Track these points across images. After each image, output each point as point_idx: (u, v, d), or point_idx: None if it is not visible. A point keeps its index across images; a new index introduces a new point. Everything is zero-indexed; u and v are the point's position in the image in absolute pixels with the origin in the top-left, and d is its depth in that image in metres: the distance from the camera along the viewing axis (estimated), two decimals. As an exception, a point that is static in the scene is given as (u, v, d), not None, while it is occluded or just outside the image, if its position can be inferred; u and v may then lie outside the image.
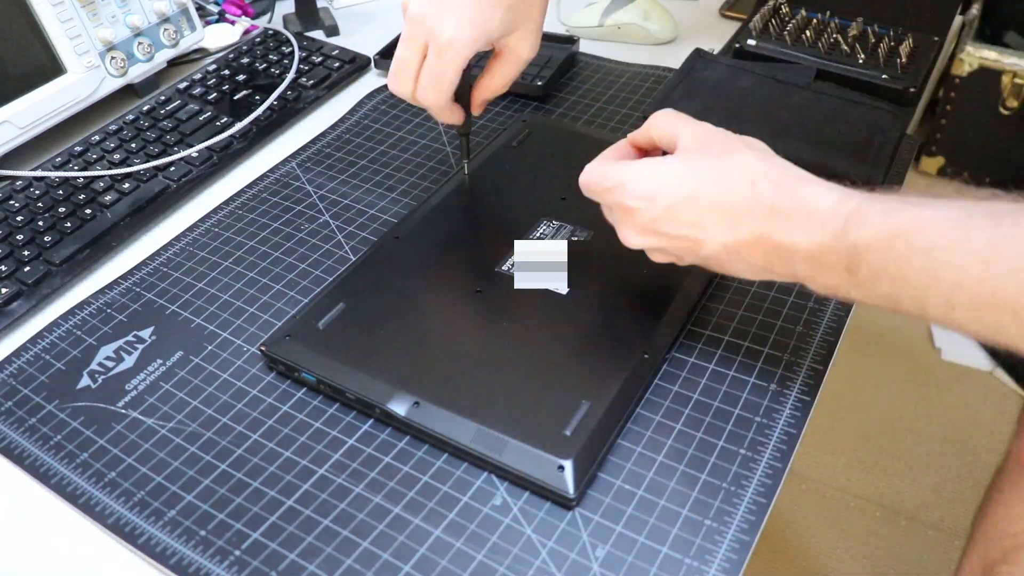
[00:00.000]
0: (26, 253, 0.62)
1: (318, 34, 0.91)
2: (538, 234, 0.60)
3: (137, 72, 0.78)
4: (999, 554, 0.54)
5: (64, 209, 0.66)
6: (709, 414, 0.50)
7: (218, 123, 0.75)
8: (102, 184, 0.68)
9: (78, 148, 0.72)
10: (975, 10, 1.66)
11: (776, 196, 0.44)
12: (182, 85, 0.80)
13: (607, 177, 0.49)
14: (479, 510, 0.45)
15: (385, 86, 0.81)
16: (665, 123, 0.49)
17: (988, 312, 0.37)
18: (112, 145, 0.72)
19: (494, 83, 0.60)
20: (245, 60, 0.84)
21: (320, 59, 0.84)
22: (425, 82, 0.56)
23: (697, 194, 0.45)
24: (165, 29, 0.80)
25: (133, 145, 0.72)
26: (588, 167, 0.50)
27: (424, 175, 0.70)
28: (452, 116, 0.60)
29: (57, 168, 0.70)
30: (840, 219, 0.42)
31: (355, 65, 0.84)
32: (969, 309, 0.38)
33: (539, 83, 0.78)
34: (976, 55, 1.64)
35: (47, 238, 0.63)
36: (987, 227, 0.37)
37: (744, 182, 0.44)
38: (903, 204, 0.41)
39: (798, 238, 0.43)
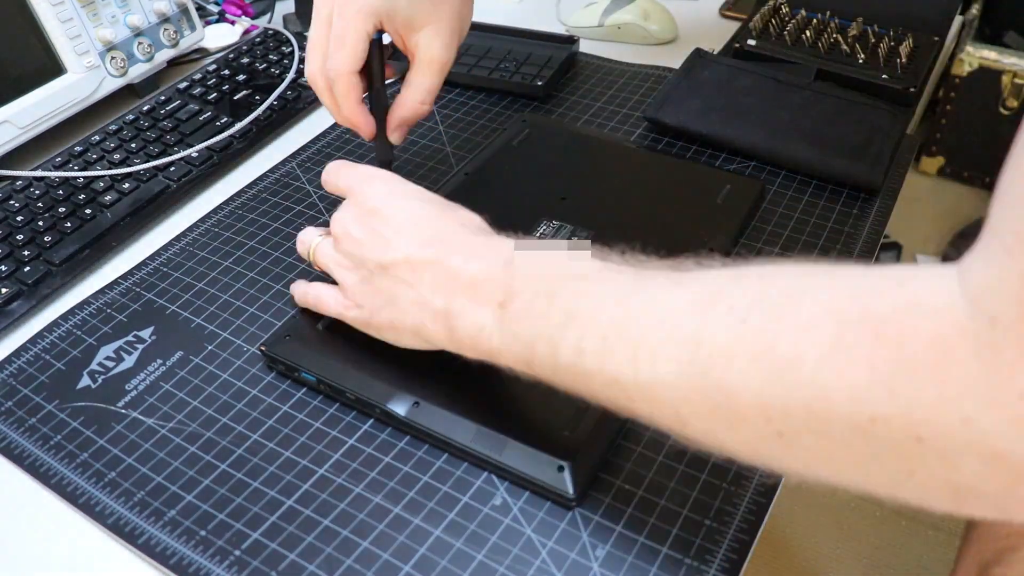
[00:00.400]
0: (26, 253, 0.62)
1: (318, 34, 0.91)
2: (538, 234, 0.60)
3: (137, 72, 0.78)
4: (992, 555, 0.54)
5: (64, 209, 0.66)
6: (709, 414, 0.50)
7: (218, 123, 0.75)
8: (102, 184, 0.68)
9: (78, 148, 0.72)
10: (975, 10, 1.66)
11: (472, 236, 0.45)
12: (182, 85, 0.80)
13: (346, 163, 0.52)
14: (479, 510, 0.45)
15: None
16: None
17: (611, 354, 0.35)
18: (112, 145, 0.72)
19: (413, 96, 0.56)
20: (245, 60, 0.84)
21: (320, 59, 0.84)
22: (332, 46, 0.53)
23: (420, 209, 0.46)
24: (165, 29, 0.80)
25: (133, 145, 0.72)
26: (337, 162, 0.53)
27: (424, 175, 0.70)
28: (360, 116, 0.56)
29: (57, 168, 0.70)
30: (511, 250, 0.42)
31: (355, 65, 0.84)
32: (595, 352, 0.36)
33: (539, 83, 0.78)
34: (976, 55, 1.64)
35: (47, 238, 0.63)
36: (631, 273, 0.38)
37: (458, 221, 0.46)
38: (564, 248, 0.41)
39: (470, 265, 0.42)
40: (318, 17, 0.54)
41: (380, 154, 0.58)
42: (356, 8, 0.52)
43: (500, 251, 0.42)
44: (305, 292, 0.53)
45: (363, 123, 0.56)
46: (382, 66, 0.56)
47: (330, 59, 0.53)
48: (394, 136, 0.58)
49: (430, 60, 0.55)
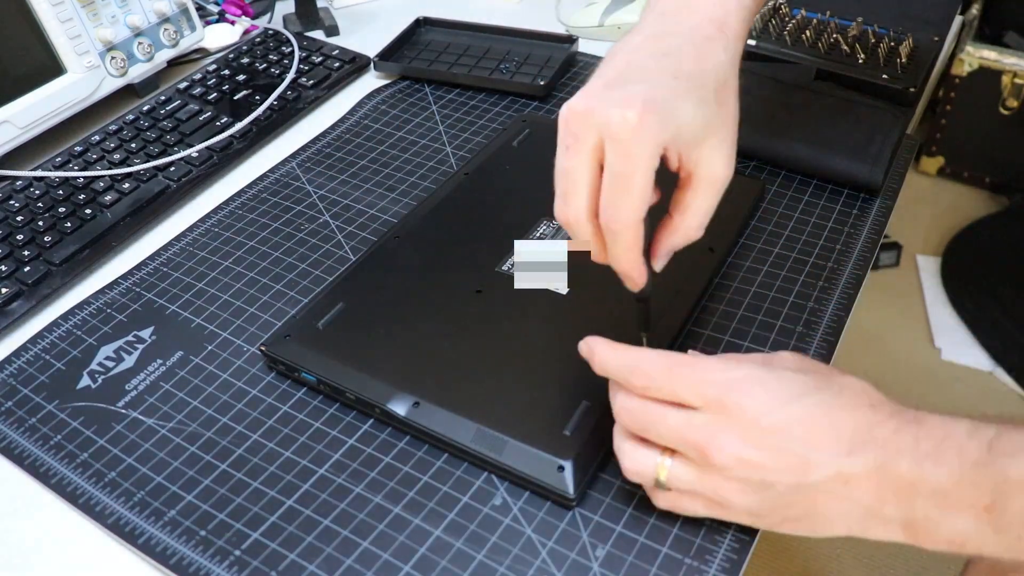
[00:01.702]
0: (26, 253, 0.62)
1: (318, 34, 0.91)
2: (538, 234, 0.60)
3: (137, 72, 0.78)
4: (1009, 563, 0.53)
5: (64, 209, 0.66)
6: (709, 414, 0.50)
7: (218, 123, 0.75)
8: (102, 184, 0.68)
9: (78, 148, 0.72)
10: (975, 10, 1.66)
11: (900, 420, 0.38)
12: (182, 85, 0.80)
13: (668, 358, 0.41)
14: (479, 510, 0.45)
15: (385, 86, 0.82)
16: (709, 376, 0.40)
17: None
18: (112, 145, 0.72)
19: (689, 222, 0.44)
20: (245, 60, 0.84)
21: (320, 59, 0.84)
22: (610, 194, 0.41)
23: (818, 405, 0.39)
24: (165, 29, 0.80)
25: (133, 145, 0.72)
26: (637, 360, 0.42)
27: (424, 175, 0.70)
28: (639, 268, 0.43)
29: (57, 168, 0.70)
30: (982, 445, 0.36)
31: (355, 65, 0.84)
32: None
33: (541, 82, 0.78)
34: (976, 55, 1.64)
35: (47, 238, 0.63)
36: None
37: (864, 404, 0.39)
38: None
39: (927, 469, 0.36)
40: (579, 147, 0.41)
41: (642, 289, 0.46)
42: (640, 141, 0.40)
43: (957, 447, 0.36)
44: (660, 500, 0.43)
45: (640, 274, 0.44)
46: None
47: (614, 208, 0.41)
48: (658, 264, 0.46)
49: (712, 179, 0.44)
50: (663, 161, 0.42)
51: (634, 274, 0.44)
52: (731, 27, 0.46)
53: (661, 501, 0.43)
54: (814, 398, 0.39)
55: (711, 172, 0.44)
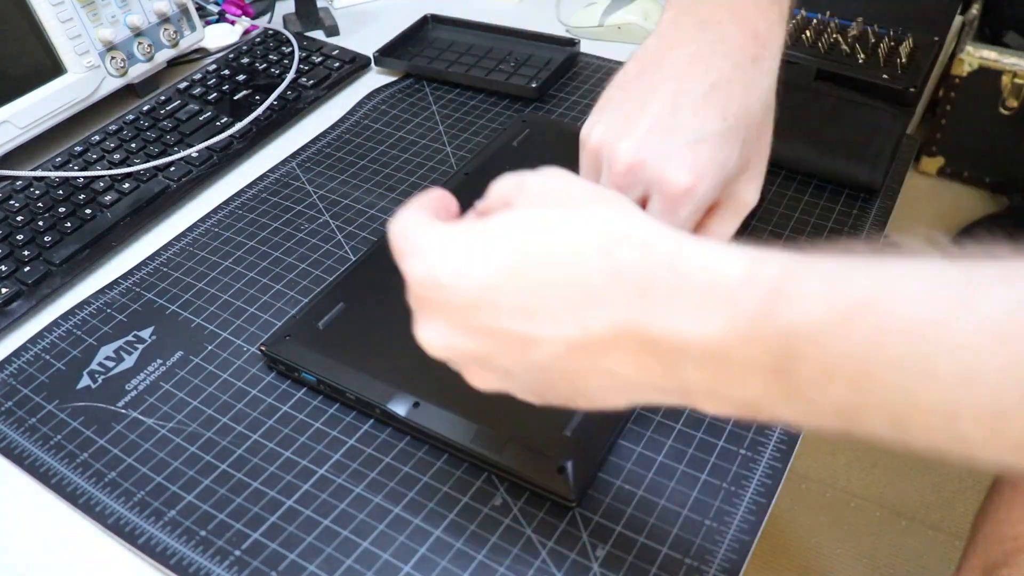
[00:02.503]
0: (26, 253, 0.62)
1: (318, 34, 0.91)
2: (538, 234, 0.60)
3: (137, 72, 0.78)
4: (1000, 556, 0.53)
5: (64, 209, 0.66)
6: (710, 414, 0.50)
7: (218, 123, 0.75)
8: (102, 184, 0.68)
9: (78, 148, 0.72)
10: (975, 10, 1.66)
11: (648, 266, 0.29)
12: (182, 85, 0.80)
13: (406, 238, 0.34)
14: (479, 510, 0.45)
15: (385, 86, 0.82)
16: (507, 184, 0.35)
17: (1017, 421, 0.24)
18: (112, 145, 0.72)
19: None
20: (245, 60, 0.84)
21: (320, 59, 0.84)
22: None
23: (525, 266, 0.30)
24: (165, 29, 0.80)
25: (133, 145, 0.72)
26: (399, 217, 0.35)
27: (424, 175, 0.70)
28: None
29: (57, 168, 0.70)
30: (759, 292, 0.28)
31: (355, 65, 0.84)
32: (983, 419, 0.24)
33: (534, 84, 0.77)
34: (976, 55, 1.64)
35: (47, 238, 0.63)
36: (997, 286, 0.25)
37: (595, 248, 0.30)
38: (854, 265, 0.27)
39: (690, 325, 0.28)
40: (628, 195, 0.39)
41: None
42: (695, 204, 0.39)
43: (723, 298, 0.28)
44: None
45: None
46: None
47: None
48: None
49: (742, 205, 0.43)
50: None
51: None
52: (774, 42, 0.43)
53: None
54: (508, 253, 0.31)
55: (741, 201, 0.43)
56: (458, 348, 0.33)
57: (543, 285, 0.30)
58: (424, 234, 0.33)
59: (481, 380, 0.35)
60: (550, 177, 0.34)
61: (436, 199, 0.36)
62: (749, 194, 0.43)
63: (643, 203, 0.40)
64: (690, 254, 0.29)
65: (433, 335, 0.33)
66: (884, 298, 0.26)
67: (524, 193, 0.34)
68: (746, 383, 0.28)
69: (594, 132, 0.42)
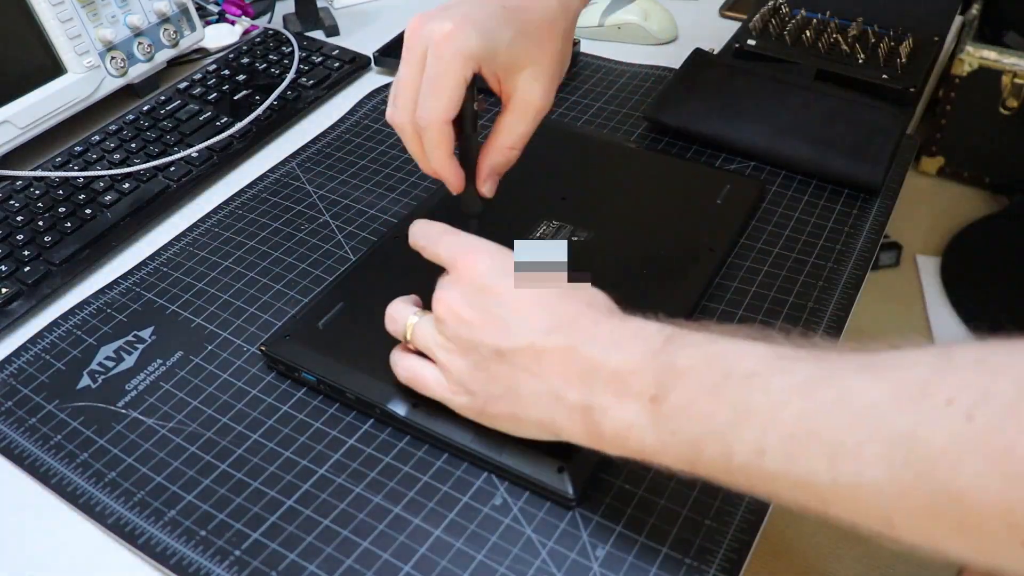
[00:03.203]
0: (26, 253, 0.62)
1: (318, 34, 0.91)
2: (538, 234, 0.60)
3: (137, 72, 0.78)
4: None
5: (64, 209, 0.66)
6: (709, 414, 0.50)
7: (218, 123, 0.75)
8: (102, 184, 0.68)
9: (78, 148, 0.72)
10: (975, 10, 1.66)
11: (605, 320, 0.40)
12: (182, 85, 0.80)
13: (446, 228, 0.47)
14: (479, 510, 0.45)
15: (385, 86, 0.82)
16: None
17: (802, 454, 0.32)
18: (112, 145, 0.72)
19: (503, 141, 0.50)
20: (245, 60, 0.84)
21: (320, 59, 0.84)
22: (422, 94, 0.46)
23: (531, 289, 0.42)
24: (165, 29, 0.80)
25: (133, 145, 0.72)
26: (424, 223, 0.49)
27: (424, 175, 0.70)
28: (451, 168, 0.49)
29: (57, 168, 0.70)
30: (660, 338, 0.38)
31: (355, 65, 0.84)
32: (781, 452, 0.32)
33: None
34: (976, 55, 1.64)
35: (47, 238, 0.63)
36: (811, 361, 0.34)
37: (584, 302, 0.41)
38: (723, 334, 0.37)
39: (611, 354, 0.38)
40: (410, 56, 0.47)
41: (467, 206, 0.52)
42: (454, 50, 0.45)
43: (643, 338, 0.38)
44: (399, 365, 0.48)
45: (453, 176, 0.50)
46: (475, 113, 0.50)
47: (422, 107, 0.47)
48: (485, 188, 0.52)
49: (527, 104, 0.49)
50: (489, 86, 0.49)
51: (447, 174, 0.49)
52: None
53: (400, 367, 0.47)
54: (537, 292, 0.42)
55: (526, 98, 0.49)
56: (456, 310, 0.43)
57: (537, 305, 0.41)
58: (497, 251, 0.45)
59: (441, 347, 0.44)
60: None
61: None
62: (533, 92, 0.49)
63: (423, 62, 0.47)
64: (631, 319, 0.40)
65: (448, 294, 0.43)
66: (733, 354, 0.35)
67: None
68: (629, 406, 0.37)
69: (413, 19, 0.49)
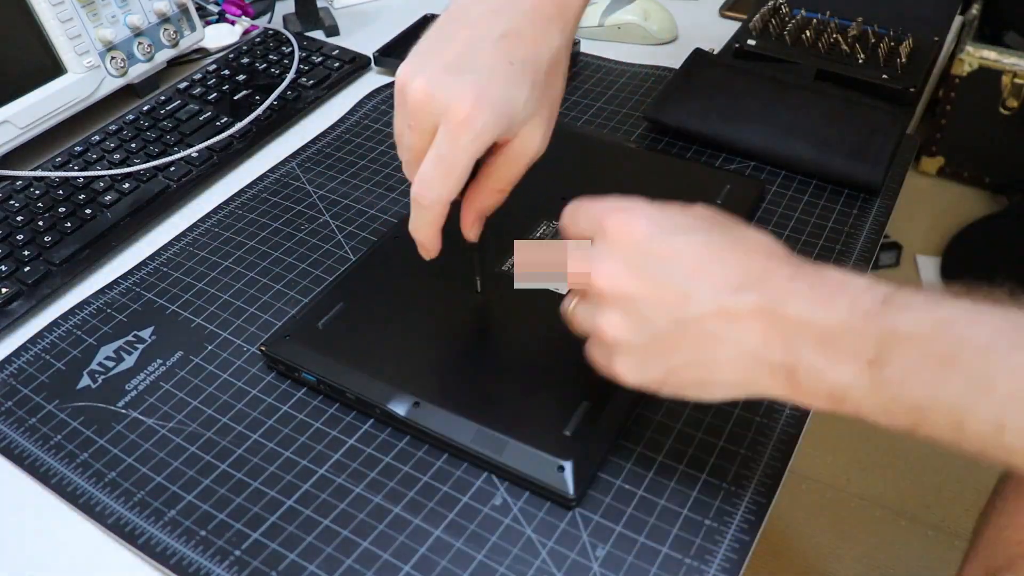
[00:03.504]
0: (26, 253, 0.62)
1: (318, 34, 0.91)
2: (538, 234, 0.60)
3: (137, 72, 0.78)
4: (1004, 561, 0.53)
5: (64, 209, 0.66)
6: (709, 414, 0.50)
7: (218, 123, 0.75)
8: (102, 184, 0.68)
9: (78, 148, 0.72)
10: (975, 10, 1.66)
11: (797, 269, 0.37)
12: (182, 85, 0.80)
13: (606, 198, 0.41)
14: (479, 510, 0.45)
15: (385, 86, 0.82)
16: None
17: None
18: (112, 145, 0.72)
19: (493, 184, 0.47)
20: (245, 60, 0.84)
21: (320, 59, 0.84)
22: (430, 170, 0.43)
23: (708, 244, 0.38)
24: (165, 29, 0.80)
25: (133, 145, 0.72)
26: (576, 203, 0.43)
27: (424, 175, 0.70)
28: (435, 242, 0.47)
29: (57, 168, 0.70)
30: (876, 298, 0.35)
31: (355, 65, 0.84)
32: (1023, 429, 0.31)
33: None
34: (976, 55, 1.64)
35: (47, 238, 0.63)
36: None
37: (761, 252, 0.38)
38: (946, 297, 0.34)
39: (817, 313, 0.35)
40: (421, 129, 0.44)
41: (468, 242, 0.51)
42: (472, 136, 0.42)
43: (849, 295, 0.35)
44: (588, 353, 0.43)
45: (434, 248, 0.48)
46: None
47: (426, 184, 0.44)
48: (471, 234, 0.49)
49: (525, 150, 0.47)
50: None
51: (429, 246, 0.47)
52: (572, 8, 0.48)
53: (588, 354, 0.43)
54: (702, 236, 0.39)
55: (525, 147, 0.46)
56: (619, 283, 0.38)
57: (716, 260, 0.38)
58: (651, 208, 0.40)
59: (612, 326, 0.39)
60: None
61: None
62: (533, 140, 0.46)
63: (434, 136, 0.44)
64: (828, 269, 0.37)
65: (609, 266, 0.39)
66: (964, 322, 0.33)
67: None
68: (844, 369, 0.34)
69: (400, 72, 0.45)
